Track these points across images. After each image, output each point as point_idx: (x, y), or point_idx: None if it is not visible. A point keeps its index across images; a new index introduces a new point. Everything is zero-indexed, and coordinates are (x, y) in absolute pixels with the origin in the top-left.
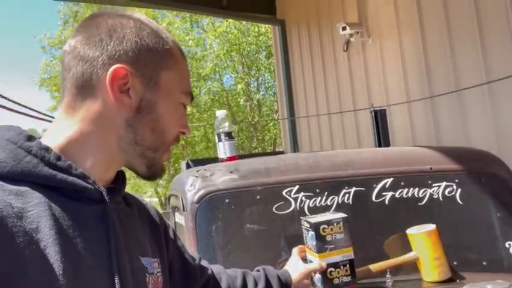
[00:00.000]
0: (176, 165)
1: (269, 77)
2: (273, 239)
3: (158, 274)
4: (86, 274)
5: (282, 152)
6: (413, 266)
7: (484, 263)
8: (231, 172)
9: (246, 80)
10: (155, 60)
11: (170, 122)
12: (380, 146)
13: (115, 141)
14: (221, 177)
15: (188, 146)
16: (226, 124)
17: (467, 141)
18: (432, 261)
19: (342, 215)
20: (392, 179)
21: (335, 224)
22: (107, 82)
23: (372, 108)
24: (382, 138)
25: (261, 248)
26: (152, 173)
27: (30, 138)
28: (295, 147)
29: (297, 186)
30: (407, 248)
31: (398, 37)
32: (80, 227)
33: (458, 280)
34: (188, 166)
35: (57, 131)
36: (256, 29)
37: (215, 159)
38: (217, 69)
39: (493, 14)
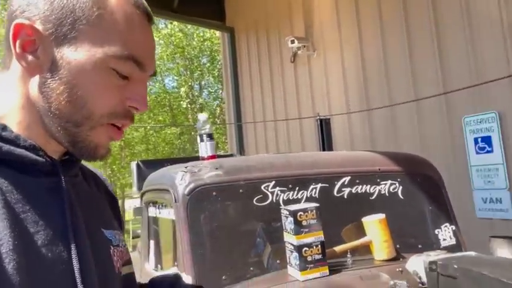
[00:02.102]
0: (113, 166)
1: (213, 82)
2: (253, 226)
3: (125, 246)
4: (39, 249)
5: (231, 155)
6: (366, 248)
7: (419, 246)
8: (217, 168)
9: (190, 84)
10: (74, 13)
11: (95, 91)
12: (324, 149)
13: (35, 110)
14: (208, 172)
15: (127, 147)
16: (208, 126)
17: (397, 148)
18: (382, 243)
19: (315, 204)
20: (349, 177)
21: (309, 212)
22: (10, 40)
23: (318, 117)
24: (326, 144)
25: (244, 234)
26: (78, 152)
27: None
28: (241, 151)
29: (273, 182)
30: (362, 233)
31: (340, 53)
32: (30, 201)
33: (401, 258)
34: (138, 167)
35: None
36: (202, 34)
37: (167, 161)
38: (159, 70)
39: (421, 40)
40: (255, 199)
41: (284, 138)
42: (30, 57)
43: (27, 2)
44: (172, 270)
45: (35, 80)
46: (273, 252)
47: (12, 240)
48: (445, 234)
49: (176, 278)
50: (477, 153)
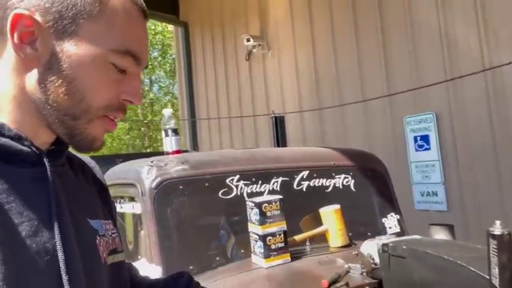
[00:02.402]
0: None
1: (164, 77)
2: (219, 218)
3: (113, 235)
4: (24, 240)
5: (186, 151)
6: (323, 236)
7: (368, 233)
8: (182, 163)
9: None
10: (75, 7)
11: (93, 84)
12: (278, 145)
13: (29, 102)
14: (174, 167)
15: None
16: (173, 122)
17: (346, 145)
18: (337, 231)
19: (279, 196)
20: (308, 171)
21: (273, 203)
22: (8, 30)
23: (273, 115)
24: (280, 141)
25: (210, 226)
26: (75, 144)
27: None
28: (195, 147)
29: (237, 176)
30: (319, 223)
31: (293, 53)
32: (15, 192)
33: (353, 245)
34: None
35: None
36: (153, 27)
37: (116, 157)
38: None
39: (369, 46)
40: (220, 192)
41: (238, 134)
42: (28, 49)
43: None
44: (138, 263)
45: (32, 71)
46: (237, 242)
47: None
48: (391, 222)
49: (190, 278)
50: (416, 150)
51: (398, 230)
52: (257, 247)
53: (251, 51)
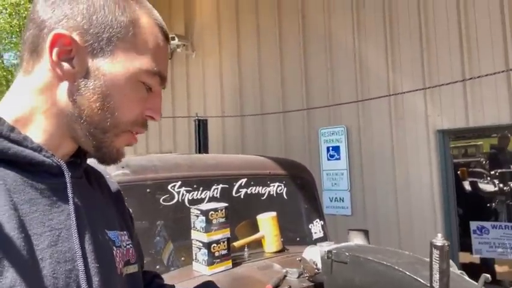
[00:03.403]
0: None
1: None
2: (162, 225)
3: (128, 246)
4: (45, 250)
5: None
6: (258, 242)
7: (297, 238)
8: (123, 167)
9: None
10: (112, 29)
11: (125, 101)
12: (200, 151)
13: (61, 115)
14: (114, 171)
15: None
16: None
17: (264, 151)
18: (273, 237)
19: (225, 204)
20: (246, 179)
21: (219, 211)
22: (47, 48)
23: (196, 117)
24: (202, 144)
25: (151, 233)
26: (101, 156)
27: None
28: None
29: (179, 182)
30: (254, 229)
31: (218, 58)
32: (37, 202)
33: (285, 250)
34: None
35: (13, 100)
36: None
37: None
38: None
39: (291, 61)
40: (162, 198)
41: (155, 136)
42: (66, 66)
43: (63, 14)
44: None
45: (65, 87)
46: (177, 249)
47: (19, 241)
48: (316, 228)
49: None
50: (328, 159)
51: (321, 235)
52: (200, 254)
53: (174, 50)
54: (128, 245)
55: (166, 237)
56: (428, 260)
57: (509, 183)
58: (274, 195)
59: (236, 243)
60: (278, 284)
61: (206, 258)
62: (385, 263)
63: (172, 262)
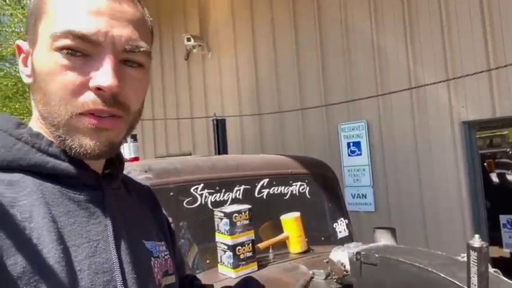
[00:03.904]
0: None
1: None
2: (186, 228)
3: (166, 257)
4: (83, 262)
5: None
6: (283, 243)
7: (322, 238)
8: (146, 171)
9: None
10: (32, 16)
11: (55, 80)
12: (219, 152)
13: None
14: (138, 175)
15: None
16: None
17: (284, 150)
18: (297, 238)
19: (248, 206)
20: (268, 179)
21: (243, 213)
22: None
23: (215, 117)
24: (221, 145)
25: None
26: (75, 155)
27: (20, 125)
28: None
29: (201, 184)
30: (277, 229)
31: (234, 56)
32: (75, 214)
33: (310, 250)
34: None
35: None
36: None
37: None
38: None
39: (308, 57)
40: (185, 201)
41: (174, 137)
42: (26, 71)
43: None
44: None
45: (30, 92)
46: (202, 252)
47: (58, 253)
48: (340, 227)
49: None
50: (349, 155)
51: (346, 234)
52: (225, 257)
53: (190, 51)
54: (166, 255)
55: (190, 240)
56: (462, 260)
57: None
58: (297, 194)
59: (260, 245)
60: (305, 286)
61: (231, 261)
62: (418, 264)
63: (198, 265)
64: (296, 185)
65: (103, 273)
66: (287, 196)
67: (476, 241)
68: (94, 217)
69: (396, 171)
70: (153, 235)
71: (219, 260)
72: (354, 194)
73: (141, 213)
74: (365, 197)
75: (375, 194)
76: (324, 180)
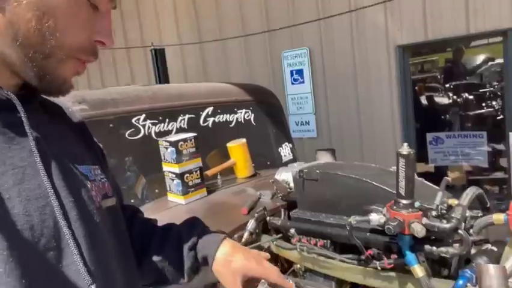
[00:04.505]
0: None
1: None
2: (131, 160)
3: (103, 180)
4: (12, 189)
5: None
6: (230, 169)
7: (268, 163)
8: (80, 103)
9: None
10: None
11: (67, 21)
12: (160, 82)
13: None
14: (71, 107)
15: None
16: None
17: (228, 79)
18: (243, 163)
19: (193, 134)
20: (212, 107)
21: (188, 141)
22: None
23: (152, 47)
24: (162, 75)
25: (121, 169)
26: (46, 87)
27: None
28: None
29: (143, 115)
30: (225, 157)
31: None
32: None
33: (257, 174)
34: None
35: None
36: None
37: None
38: None
39: None
40: (127, 133)
41: (110, 69)
42: None
43: None
44: None
45: (2, 7)
46: (150, 183)
47: None
48: (285, 151)
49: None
50: (292, 84)
51: (291, 157)
52: (174, 185)
53: None
54: (103, 179)
55: (137, 172)
56: (393, 170)
57: (462, 94)
58: (242, 122)
59: (208, 172)
60: (253, 206)
61: (180, 188)
62: (353, 176)
63: (146, 195)
64: (241, 113)
65: (36, 199)
66: (233, 124)
67: (405, 149)
68: (15, 142)
69: (337, 97)
70: (86, 159)
71: (168, 189)
72: (298, 122)
73: (69, 137)
74: (308, 124)
75: (317, 121)
76: (269, 106)
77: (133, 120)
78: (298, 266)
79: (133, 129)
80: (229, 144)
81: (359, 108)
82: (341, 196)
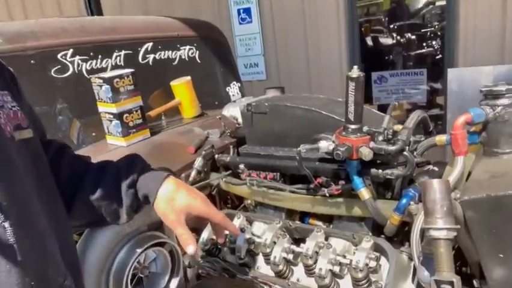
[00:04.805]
0: None
1: None
2: (60, 102)
3: (14, 109)
4: None
5: None
6: (176, 109)
7: (216, 102)
8: None
9: None
10: None
11: None
12: (91, 14)
13: None
14: None
15: None
16: None
17: (171, 12)
18: (189, 103)
19: (130, 70)
20: (152, 43)
21: (125, 78)
22: None
23: None
24: (93, 6)
25: (51, 112)
26: None
27: None
28: None
29: (71, 50)
30: (169, 97)
31: None
32: None
33: (204, 114)
34: None
35: None
36: None
37: None
38: None
39: None
40: (52, 71)
41: (33, 2)
42: None
43: None
44: None
45: None
46: (86, 126)
47: None
48: (233, 90)
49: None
50: (240, 23)
51: (240, 97)
52: (113, 126)
53: None
54: (14, 107)
55: (69, 115)
56: (341, 100)
57: (405, 34)
58: (186, 59)
59: (151, 113)
60: (200, 145)
61: (120, 129)
62: (302, 106)
63: (83, 140)
64: (185, 49)
65: None
66: (176, 61)
67: (355, 72)
68: None
69: (286, 38)
70: None
71: (106, 131)
72: (247, 64)
73: None
74: (257, 66)
75: (266, 62)
76: (215, 43)
77: (59, 56)
78: (249, 201)
79: (59, 66)
80: (173, 83)
81: (307, 49)
82: (290, 128)
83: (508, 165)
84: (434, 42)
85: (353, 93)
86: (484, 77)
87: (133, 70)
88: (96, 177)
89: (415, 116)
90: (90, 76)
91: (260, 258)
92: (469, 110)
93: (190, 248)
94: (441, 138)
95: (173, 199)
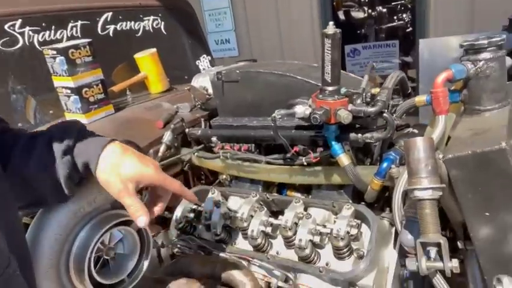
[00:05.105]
0: None
1: None
2: (11, 78)
3: None
4: None
5: None
6: (142, 84)
7: (185, 76)
8: None
9: None
10: None
11: None
12: None
13: None
14: None
15: None
16: None
17: None
18: (157, 76)
19: (87, 40)
20: (111, 13)
21: (82, 48)
22: None
23: None
24: None
25: (3, 92)
26: None
27: None
28: None
29: (20, 20)
30: (134, 70)
31: None
32: None
33: (173, 89)
34: None
35: None
36: None
37: None
38: None
39: None
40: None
41: None
42: None
43: None
44: None
45: None
46: (42, 103)
47: None
48: (204, 64)
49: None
50: None
51: None
52: (71, 103)
53: None
54: None
55: (23, 93)
56: (316, 65)
57: (377, 8)
58: (151, 30)
59: (115, 88)
60: (169, 119)
61: (79, 105)
62: (276, 72)
63: (40, 119)
64: (148, 20)
65: None
66: (139, 33)
67: (330, 28)
68: None
69: (257, 12)
70: None
71: (65, 108)
72: (218, 40)
73: None
74: (229, 42)
75: (237, 38)
76: (181, 14)
77: (6, 27)
78: (224, 176)
79: (7, 38)
80: (137, 56)
81: (279, 24)
82: (264, 96)
83: (491, 121)
84: (404, 15)
85: (330, 51)
86: (454, 47)
87: (90, 40)
88: (26, 147)
89: (394, 76)
90: (43, 48)
91: (237, 234)
92: (450, 66)
93: (141, 220)
94: (420, 99)
95: (119, 165)
